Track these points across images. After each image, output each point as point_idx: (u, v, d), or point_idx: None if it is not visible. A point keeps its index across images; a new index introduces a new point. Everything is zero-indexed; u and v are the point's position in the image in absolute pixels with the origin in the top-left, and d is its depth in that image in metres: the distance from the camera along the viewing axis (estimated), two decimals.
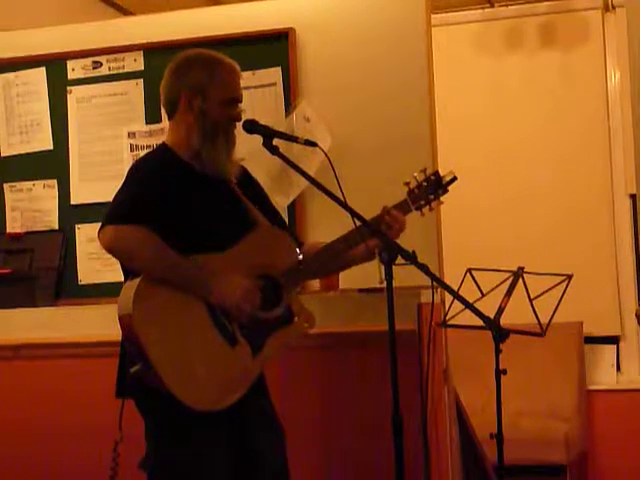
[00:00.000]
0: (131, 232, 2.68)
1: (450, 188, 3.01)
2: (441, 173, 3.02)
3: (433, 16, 3.98)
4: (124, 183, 2.82)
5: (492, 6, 5.87)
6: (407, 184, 2.97)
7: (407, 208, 2.96)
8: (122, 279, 2.80)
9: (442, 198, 3.01)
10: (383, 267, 2.70)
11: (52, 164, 4.19)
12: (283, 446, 2.90)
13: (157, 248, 2.69)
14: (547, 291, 3.31)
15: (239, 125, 2.90)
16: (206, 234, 2.79)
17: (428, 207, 2.98)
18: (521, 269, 3.46)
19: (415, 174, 2.98)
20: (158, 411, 2.73)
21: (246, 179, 3.01)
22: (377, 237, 2.80)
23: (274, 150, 2.86)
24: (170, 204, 2.75)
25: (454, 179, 2.99)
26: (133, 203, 2.73)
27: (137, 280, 2.66)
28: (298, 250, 2.92)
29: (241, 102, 2.93)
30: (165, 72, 2.95)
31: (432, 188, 2.98)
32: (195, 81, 2.86)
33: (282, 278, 2.85)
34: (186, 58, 2.94)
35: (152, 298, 2.67)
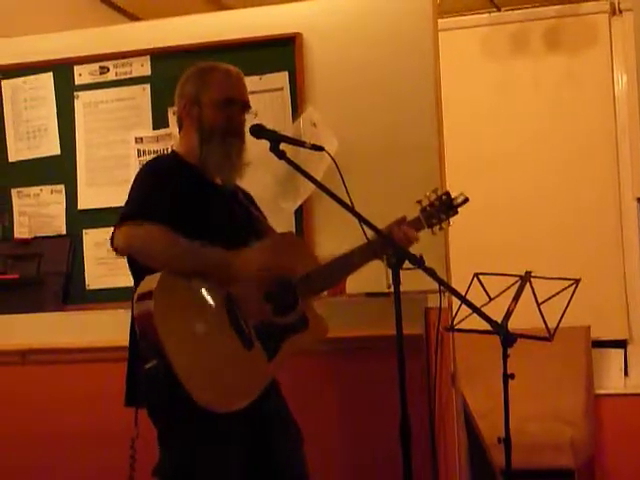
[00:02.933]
0: (145, 229, 2.69)
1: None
2: (452, 193, 3.05)
3: (440, 20, 3.97)
4: (135, 184, 2.83)
5: (499, 10, 5.87)
6: (419, 202, 3.00)
7: (420, 225, 2.99)
8: (130, 284, 2.79)
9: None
10: (390, 271, 2.71)
11: (59, 169, 4.19)
12: (301, 447, 2.91)
13: (172, 240, 2.68)
14: (555, 295, 3.31)
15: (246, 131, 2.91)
16: (212, 239, 2.79)
17: (439, 226, 3.02)
18: (529, 273, 3.46)
19: (427, 193, 3.01)
20: (171, 416, 2.71)
21: (244, 195, 3.04)
22: (386, 242, 2.81)
23: (281, 155, 2.86)
24: (177, 204, 2.76)
25: (466, 200, 3.02)
26: (146, 202, 2.75)
27: (158, 274, 2.65)
28: None
29: (243, 102, 2.93)
30: None
31: (443, 208, 3.01)
32: (190, 91, 2.92)
33: (298, 282, 2.85)
34: (187, 72, 2.99)
35: (173, 293, 2.66)
